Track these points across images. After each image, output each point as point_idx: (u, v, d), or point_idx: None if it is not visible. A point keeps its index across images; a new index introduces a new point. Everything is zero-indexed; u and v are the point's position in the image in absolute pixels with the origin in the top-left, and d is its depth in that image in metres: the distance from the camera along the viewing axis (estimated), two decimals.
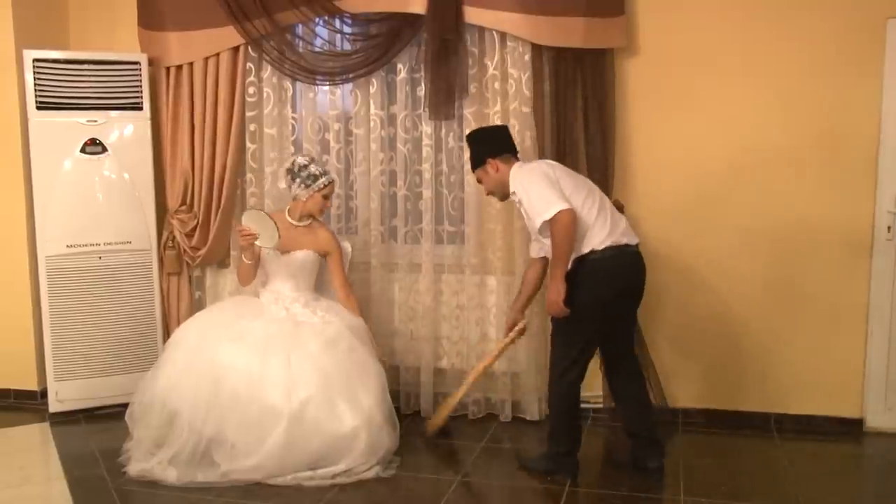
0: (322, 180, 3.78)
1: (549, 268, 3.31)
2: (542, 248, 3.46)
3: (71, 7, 4.63)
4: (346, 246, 4.11)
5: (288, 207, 3.89)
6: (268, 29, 4.11)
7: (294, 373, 3.41)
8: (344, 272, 3.94)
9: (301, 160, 3.82)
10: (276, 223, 3.67)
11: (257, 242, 3.68)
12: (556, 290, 3.21)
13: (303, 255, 3.79)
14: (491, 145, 3.52)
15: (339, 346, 3.57)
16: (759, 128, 3.89)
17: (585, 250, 3.27)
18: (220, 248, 4.41)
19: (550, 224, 3.20)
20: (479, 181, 3.60)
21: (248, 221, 3.69)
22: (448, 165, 4.16)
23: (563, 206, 3.18)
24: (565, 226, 3.18)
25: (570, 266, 3.27)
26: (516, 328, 3.67)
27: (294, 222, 3.85)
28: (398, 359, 4.26)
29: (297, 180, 3.78)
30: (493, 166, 3.48)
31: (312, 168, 3.79)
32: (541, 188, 3.26)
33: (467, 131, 3.80)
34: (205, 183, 4.31)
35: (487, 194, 3.64)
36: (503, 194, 3.53)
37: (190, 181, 4.35)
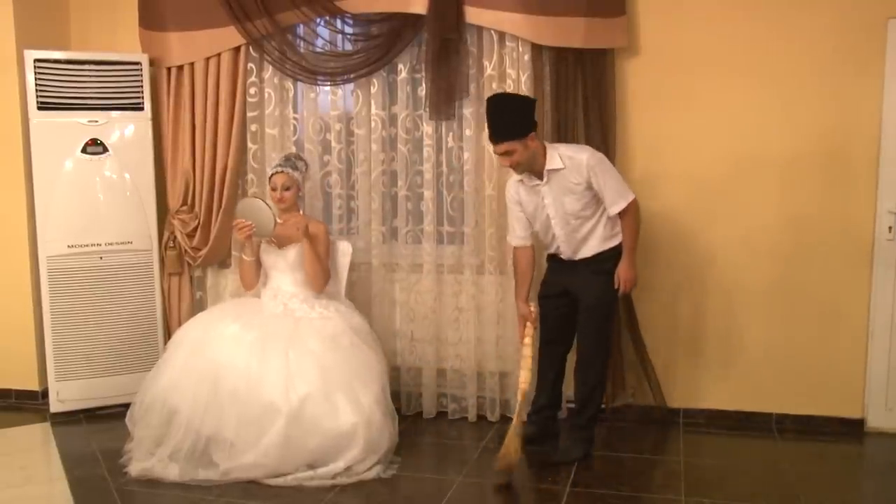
0: (269, 172, 3.88)
1: (624, 249, 3.53)
2: (527, 236, 3.65)
3: (72, 7, 4.63)
4: (347, 245, 4.12)
5: None
6: (269, 29, 4.12)
7: (293, 370, 3.43)
8: (319, 255, 3.81)
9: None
10: (270, 205, 3.73)
11: (256, 234, 3.71)
12: (634, 269, 3.53)
13: (297, 250, 3.81)
14: (533, 118, 3.46)
15: (339, 343, 3.59)
16: (759, 128, 3.89)
17: (619, 241, 3.57)
18: (221, 248, 4.41)
19: (627, 209, 3.47)
20: (508, 152, 3.38)
21: (241, 213, 3.74)
22: (448, 166, 4.16)
23: (633, 194, 3.50)
24: (639, 211, 3.53)
25: (600, 251, 3.55)
26: (532, 321, 3.64)
27: (281, 221, 3.87)
28: (399, 360, 4.26)
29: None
30: (532, 140, 3.41)
31: (273, 162, 3.89)
32: (617, 174, 3.51)
33: (497, 91, 3.73)
34: (206, 183, 4.32)
35: (510, 165, 3.44)
36: (529, 168, 3.46)
37: (191, 181, 4.36)
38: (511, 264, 3.82)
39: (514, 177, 3.61)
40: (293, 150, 4.30)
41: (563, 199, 3.47)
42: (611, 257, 3.54)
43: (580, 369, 3.66)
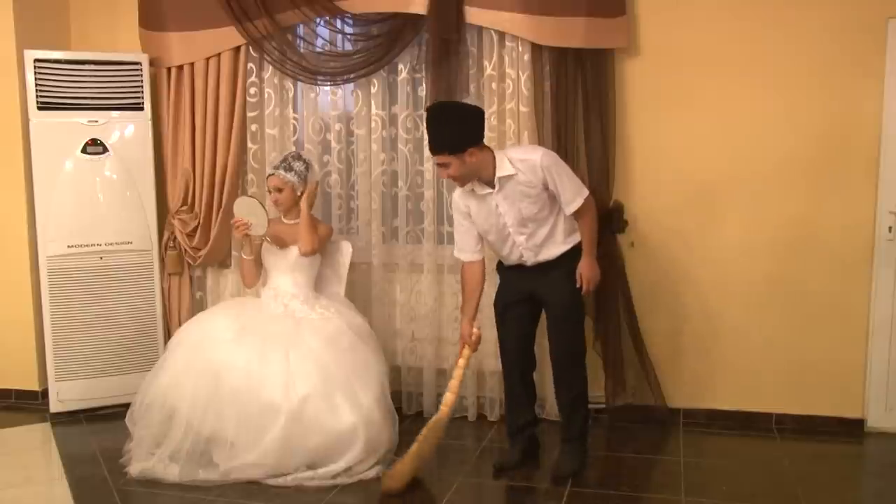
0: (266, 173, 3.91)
1: (584, 246, 3.40)
2: (478, 249, 3.47)
3: (72, 7, 4.63)
4: (347, 245, 4.12)
5: None
6: (269, 29, 4.12)
7: (293, 369, 3.43)
8: (314, 231, 3.82)
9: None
10: (264, 205, 3.76)
11: (251, 232, 3.74)
12: (596, 266, 3.42)
13: (297, 249, 3.81)
14: (476, 132, 3.30)
15: (339, 344, 3.59)
16: (759, 128, 3.89)
17: (579, 240, 3.45)
18: (221, 248, 4.41)
19: (584, 207, 3.34)
20: (444, 164, 3.26)
21: (239, 210, 3.76)
22: None
23: (587, 190, 3.39)
24: (594, 206, 3.40)
25: (564, 251, 3.41)
26: (471, 344, 3.45)
27: (288, 221, 3.89)
28: (399, 359, 4.26)
29: None
30: (471, 155, 3.24)
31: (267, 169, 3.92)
32: (571, 172, 3.38)
33: (435, 102, 3.57)
34: (206, 183, 4.32)
35: (447, 178, 3.34)
36: (470, 181, 3.33)
37: (191, 181, 4.36)
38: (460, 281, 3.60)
39: (459, 188, 3.44)
40: (293, 149, 4.30)
41: (520, 205, 3.31)
42: (575, 256, 3.40)
43: (559, 379, 3.48)
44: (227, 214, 4.27)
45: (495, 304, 3.58)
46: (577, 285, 3.39)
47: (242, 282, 3.97)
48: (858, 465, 3.81)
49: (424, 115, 3.33)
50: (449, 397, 3.42)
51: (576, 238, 3.42)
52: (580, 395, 3.49)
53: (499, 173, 3.29)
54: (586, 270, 3.38)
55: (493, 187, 3.32)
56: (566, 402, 3.49)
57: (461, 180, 3.33)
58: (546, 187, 3.30)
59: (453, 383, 3.43)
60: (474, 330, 3.46)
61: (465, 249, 3.49)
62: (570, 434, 3.50)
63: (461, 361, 3.45)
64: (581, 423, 3.50)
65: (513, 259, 3.46)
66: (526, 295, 3.47)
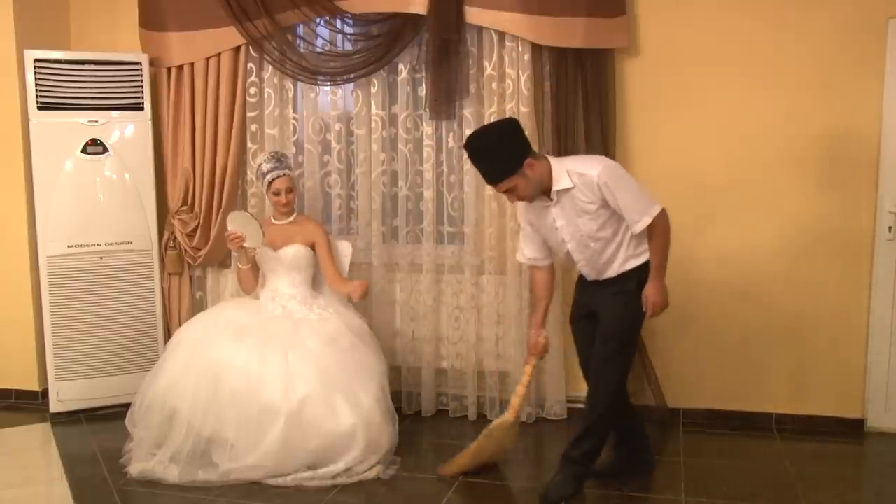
0: (268, 177, 3.84)
1: (651, 268, 3.12)
2: (539, 256, 3.33)
3: (72, 7, 4.64)
4: (347, 246, 4.12)
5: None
6: (269, 29, 4.12)
7: (292, 371, 3.43)
8: (334, 262, 3.87)
9: (259, 159, 3.91)
10: (257, 219, 3.76)
11: (245, 244, 3.74)
12: (664, 290, 3.12)
13: (293, 250, 3.82)
14: (523, 142, 3.07)
15: (339, 344, 3.59)
16: (759, 128, 3.89)
17: (645, 259, 3.19)
18: (221, 248, 4.40)
19: (654, 225, 3.06)
20: (511, 189, 3.06)
21: (232, 224, 3.76)
22: (448, 166, 4.16)
23: (660, 205, 3.09)
24: (668, 224, 3.10)
25: (623, 270, 3.16)
26: (540, 350, 3.37)
27: (279, 222, 3.90)
28: (400, 359, 4.26)
29: (259, 182, 3.94)
30: (530, 166, 3.03)
31: (264, 166, 3.87)
32: (635, 186, 3.09)
33: (469, 134, 3.20)
34: (206, 183, 4.32)
35: (519, 200, 3.14)
36: (536, 195, 3.12)
37: (191, 181, 4.36)
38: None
39: None
40: (292, 150, 4.31)
41: (577, 221, 3.10)
42: (633, 277, 3.15)
43: (588, 397, 3.28)
44: (227, 215, 4.27)
45: (570, 314, 3.48)
46: (644, 309, 3.15)
47: (241, 288, 3.97)
48: (858, 465, 3.81)
49: (465, 153, 3.17)
50: (515, 401, 3.39)
51: (640, 259, 3.17)
52: (599, 422, 3.24)
53: (556, 186, 3.07)
54: (653, 295, 3.10)
55: (550, 199, 3.12)
56: (584, 422, 3.27)
57: (533, 196, 3.11)
58: (606, 204, 3.07)
59: (520, 388, 3.40)
60: (541, 338, 3.34)
61: (526, 253, 3.36)
62: (574, 454, 3.25)
63: (527, 368, 3.38)
64: (589, 448, 3.25)
65: (577, 270, 3.35)
66: (588, 310, 3.31)
